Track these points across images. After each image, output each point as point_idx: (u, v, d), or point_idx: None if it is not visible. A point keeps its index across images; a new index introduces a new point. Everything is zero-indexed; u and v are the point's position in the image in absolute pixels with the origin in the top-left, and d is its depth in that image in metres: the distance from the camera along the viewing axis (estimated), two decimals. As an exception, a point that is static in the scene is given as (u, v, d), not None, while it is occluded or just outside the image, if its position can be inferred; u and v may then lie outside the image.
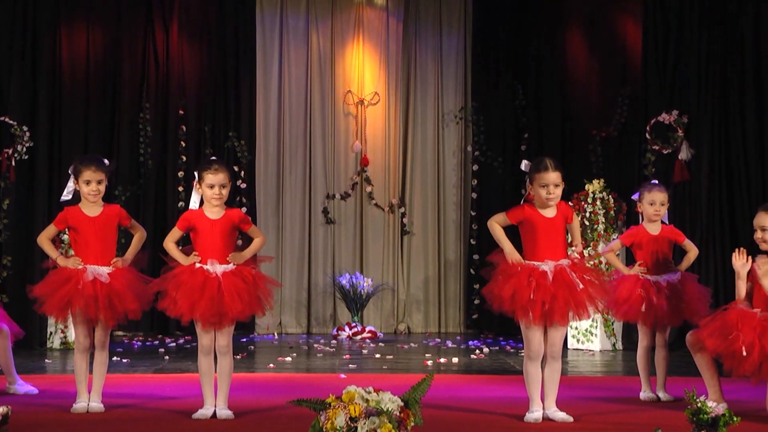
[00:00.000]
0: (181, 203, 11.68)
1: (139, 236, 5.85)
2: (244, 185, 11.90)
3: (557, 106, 11.83)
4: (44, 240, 5.66)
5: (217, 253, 5.42)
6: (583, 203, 9.92)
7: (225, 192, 5.46)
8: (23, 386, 6.30)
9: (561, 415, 5.30)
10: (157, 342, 10.43)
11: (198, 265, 5.38)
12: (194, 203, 5.63)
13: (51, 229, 5.68)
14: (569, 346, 9.95)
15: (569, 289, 5.22)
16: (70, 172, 5.72)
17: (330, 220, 12.30)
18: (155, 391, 6.26)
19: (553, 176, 5.32)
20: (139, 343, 10.31)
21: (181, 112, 11.76)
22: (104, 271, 5.56)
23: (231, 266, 5.42)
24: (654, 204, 6.26)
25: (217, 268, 5.37)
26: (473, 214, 12.34)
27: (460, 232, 12.54)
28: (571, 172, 11.43)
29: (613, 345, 9.78)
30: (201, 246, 5.45)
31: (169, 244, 5.51)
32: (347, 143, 12.49)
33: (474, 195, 12.40)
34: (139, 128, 11.60)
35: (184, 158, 11.75)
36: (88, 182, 5.62)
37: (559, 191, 5.34)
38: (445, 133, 12.67)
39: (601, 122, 11.15)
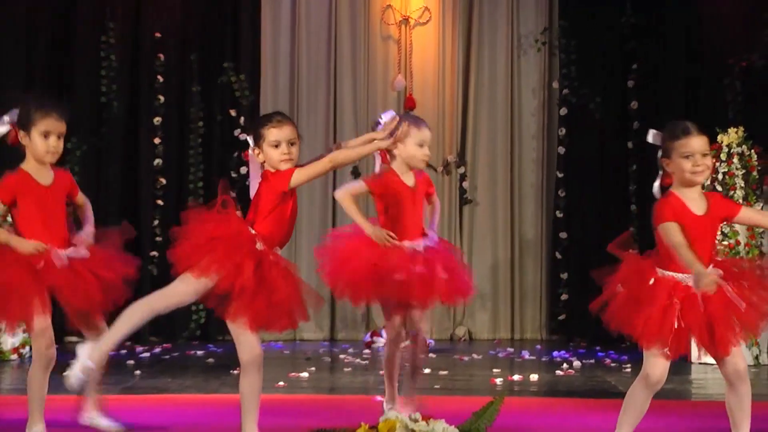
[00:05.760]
0: (157, 160, 11.67)
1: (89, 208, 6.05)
2: (243, 136, 11.85)
3: (679, 26, 11.67)
4: None
5: None
6: (714, 160, 9.77)
7: (295, 150, 5.54)
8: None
9: None
10: (125, 352, 10.45)
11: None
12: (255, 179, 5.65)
13: None
14: (693, 360, 9.85)
15: (729, 310, 5.23)
16: (10, 119, 5.76)
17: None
18: (123, 417, 6.26)
19: (699, 142, 5.33)
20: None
21: (157, 35, 11.77)
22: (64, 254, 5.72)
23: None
24: None
25: None
26: (560, 175, 12.21)
27: (541, 200, 12.43)
28: (699, 118, 11.36)
29: (756, 358, 9.66)
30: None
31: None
32: (386, 78, 12.44)
33: (561, 150, 12.27)
34: (100, 57, 11.63)
35: (162, 99, 11.73)
36: (47, 135, 5.70)
37: (708, 162, 5.29)
38: (521, 64, 12.57)
39: (741, 47, 11.00)
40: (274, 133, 5.53)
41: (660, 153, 5.43)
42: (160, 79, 11.77)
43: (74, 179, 6.03)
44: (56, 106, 5.80)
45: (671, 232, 5.21)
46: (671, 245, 5.18)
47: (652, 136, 5.55)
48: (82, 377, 5.43)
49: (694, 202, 5.36)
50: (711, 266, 5.30)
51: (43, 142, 5.68)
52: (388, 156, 6.30)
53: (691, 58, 11.64)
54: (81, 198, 6.00)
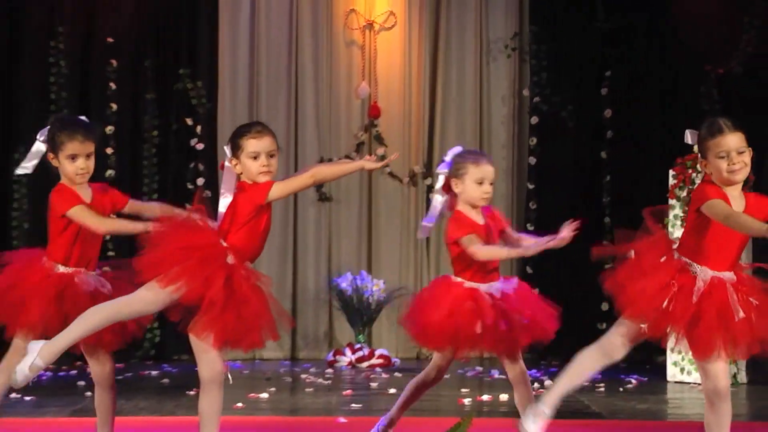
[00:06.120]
0: (110, 171, 11.62)
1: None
2: (201, 146, 11.89)
3: (654, 31, 11.72)
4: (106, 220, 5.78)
5: None
6: (690, 171, 9.83)
7: (274, 163, 5.54)
8: None
9: None
10: (74, 372, 10.41)
11: None
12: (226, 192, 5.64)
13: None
14: (669, 378, 9.90)
15: (723, 313, 5.26)
16: (41, 139, 5.81)
17: (325, 196, 12.23)
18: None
19: (734, 139, 5.34)
20: (49, 373, 10.30)
21: (110, 40, 11.73)
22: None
23: None
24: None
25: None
26: (531, 187, 12.23)
27: (512, 212, 12.43)
28: (675, 126, 11.39)
29: (734, 376, 9.70)
30: None
31: None
32: (350, 85, 12.45)
33: (532, 160, 12.30)
34: (49, 63, 11.58)
35: (115, 107, 11.70)
36: (73, 158, 5.74)
37: (746, 159, 5.34)
38: (490, 71, 12.61)
39: (719, 54, 11.04)
40: (253, 144, 5.51)
41: (699, 154, 5.43)
42: (113, 86, 11.72)
43: (115, 189, 6.02)
44: (81, 126, 5.80)
45: (719, 206, 5.20)
46: (723, 217, 5.16)
47: (689, 136, 5.54)
48: (30, 375, 5.41)
49: (735, 200, 5.36)
50: (732, 273, 5.35)
51: (71, 165, 5.71)
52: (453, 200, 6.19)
53: (667, 64, 11.68)
54: (134, 203, 5.99)
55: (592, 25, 12.12)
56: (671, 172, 10.01)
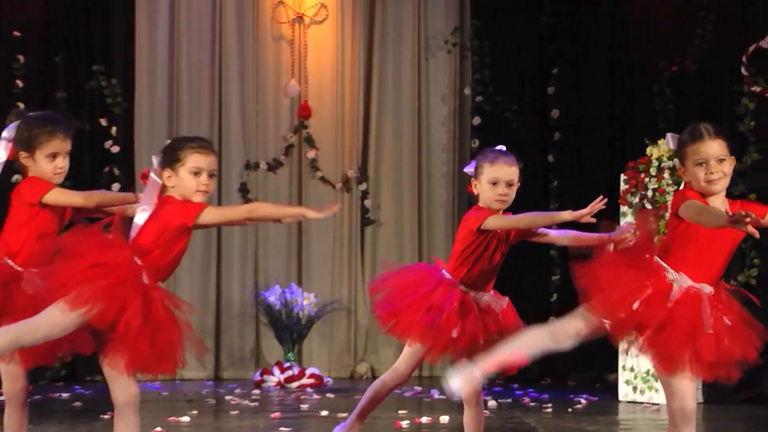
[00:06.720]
0: (17, 176, 11.42)
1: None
2: (116, 149, 11.81)
3: (604, 26, 11.77)
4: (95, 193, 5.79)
5: None
6: (643, 175, 9.84)
7: (213, 184, 5.48)
8: None
9: None
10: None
11: None
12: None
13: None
14: (621, 397, 9.93)
15: (693, 325, 5.21)
16: (8, 137, 5.74)
17: (250, 201, 12.14)
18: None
19: (713, 146, 5.28)
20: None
21: (16, 33, 11.60)
22: None
23: None
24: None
25: None
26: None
27: (452, 220, 12.43)
28: (627, 129, 11.43)
29: (690, 395, 9.70)
30: None
31: None
32: (278, 83, 12.44)
33: (474, 164, 12.29)
34: (-51, 59, 11.45)
35: (22, 107, 11.53)
36: (54, 156, 5.70)
37: (726, 169, 5.30)
38: (429, 68, 12.66)
39: (673, 50, 11.08)
40: (196, 159, 5.38)
41: (678, 160, 5.38)
42: (20, 83, 11.62)
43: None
44: (60, 123, 5.78)
45: (693, 204, 5.18)
46: (696, 213, 5.13)
47: (670, 140, 5.52)
48: None
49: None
50: (711, 287, 5.29)
51: (50, 164, 5.66)
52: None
53: (618, 62, 11.73)
54: (85, 195, 5.80)
55: (538, 19, 12.16)
56: (623, 177, 10.04)
